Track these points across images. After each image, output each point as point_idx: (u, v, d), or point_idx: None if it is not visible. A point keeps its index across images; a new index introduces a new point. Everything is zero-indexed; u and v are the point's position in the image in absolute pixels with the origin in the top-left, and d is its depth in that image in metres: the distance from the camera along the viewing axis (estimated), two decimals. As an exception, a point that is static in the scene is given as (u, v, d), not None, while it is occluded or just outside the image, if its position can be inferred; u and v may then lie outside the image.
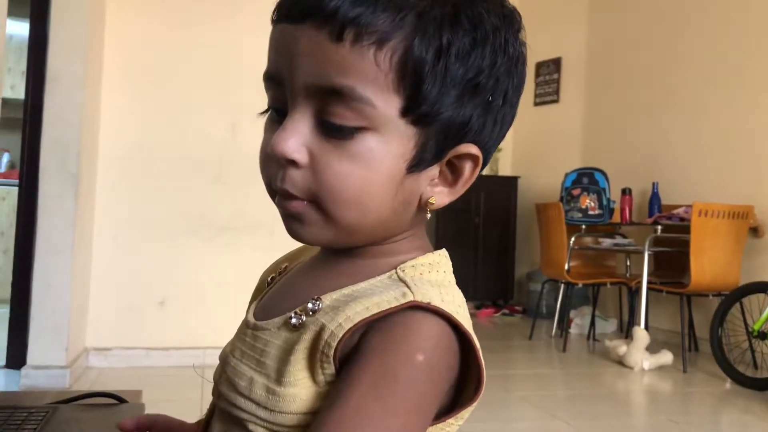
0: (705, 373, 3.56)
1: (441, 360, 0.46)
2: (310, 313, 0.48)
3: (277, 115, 0.50)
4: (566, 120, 5.57)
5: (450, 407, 0.49)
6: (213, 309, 3.09)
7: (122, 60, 3.14)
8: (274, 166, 0.48)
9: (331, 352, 0.45)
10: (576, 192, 4.24)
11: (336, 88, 0.45)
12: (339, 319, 0.46)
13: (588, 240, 4.39)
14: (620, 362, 3.64)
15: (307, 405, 0.46)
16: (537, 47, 6.03)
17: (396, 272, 0.50)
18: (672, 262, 4.06)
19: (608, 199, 4.19)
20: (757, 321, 3.31)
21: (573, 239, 4.14)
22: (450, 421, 0.49)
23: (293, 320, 0.49)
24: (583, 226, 4.24)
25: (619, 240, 4.33)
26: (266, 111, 0.52)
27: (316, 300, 0.49)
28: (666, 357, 3.61)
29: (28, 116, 2.83)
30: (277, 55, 0.48)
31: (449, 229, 5.60)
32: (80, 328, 2.98)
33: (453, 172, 0.51)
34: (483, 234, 5.68)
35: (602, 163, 4.59)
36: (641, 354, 3.57)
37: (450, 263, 0.54)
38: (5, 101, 2.17)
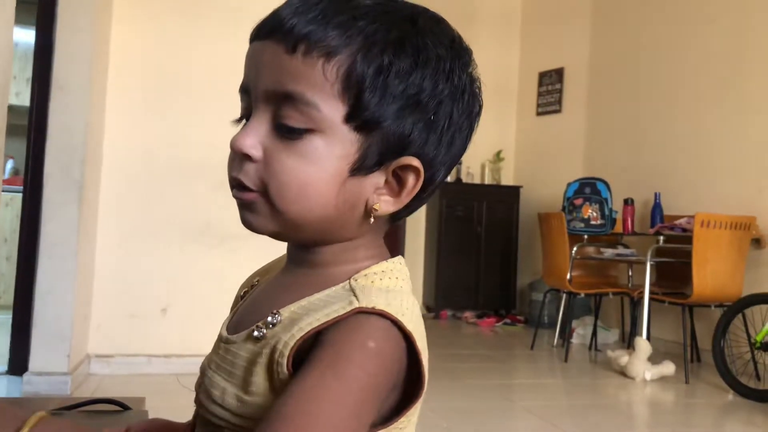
0: (707, 384, 3.55)
1: (390, 350, 0.49)
2: (270, 326, 0.53)
3: (248, 122, 0.56)
4: (569, 130, 5.58)
5: (400, 408, 0.52)
6: (216, 317, 3.07)
7: (127, 67, 3.16)
8: (236, 161, 0.54)
9: (284, 361, 0.50)
10: (578, 202, 4.24)
11: (288, 93, 0.51)
12: (292, 331, 0.50)
13: (590, 250, 4.38)
14: (622, 373, 3.64)
15: None
16: (540, 57, 6.05)
17: (349, 282, 0.54)
18: (674, 272, 4.06)
19: (610, 209, 4.19)
20: (759, 332, 3.30)
21: (575, 249, 4.14)
22: (402, 420, 0.52)
23: (255, 333, 0.53)
24: (585, 236, 4.24)
25: (621, 250, 4.33)
26: (240, 119, 0.57)
27: (276, 313, 0.53)
28: (668, 368, 3.60)
29: (33, 123, 2.84)
30: (247, 69, 0.55)
31: (451, 239, 5.60)
32: (82, 334, 2.98)
33: (398, 182, 0.55)
34: (485, 243, 5.68)
35: (604, 173, 4.59)
36: (643, 364, 3.56)
37: (405, 269, 0.57)
38: (10, 108, 2.19)
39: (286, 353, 0.49)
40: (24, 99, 3.96)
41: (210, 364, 0.58)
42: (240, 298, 0.65)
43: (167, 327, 3.13)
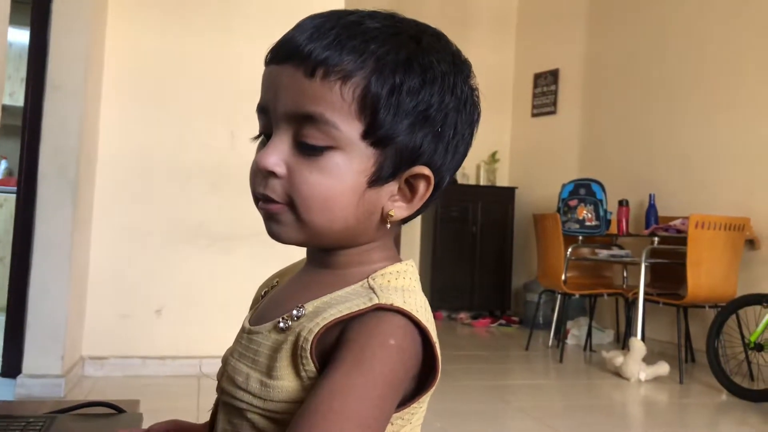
0: (701, 385, 3.56)
1: (408, 346, 0.54)
2: (295, 318, 0.57)
3: (267, 139, 0.60)
4: (564, 131, 5.59)
5: (413, 394, 0.57)
6: (210, 318, 3.08)
7: (122, 68, 3.15)
8: (259, 177, 0.58)
9: (308, 347, 0.54)
10: (573, 203, 4.25)
11: (309, 114, 0.56)
12: (316, 320, 0.55)
13: (585, 251, 4.39)
14: (617, 373, 3.64)
15: (294, 395, 0.55)
16: (535, 59, 6.05)
17: (368, 281, 0.58)
18: (669, 273, 4.07)
19: (605, 211, 4.20)
20: (753, 333, 3.31)
21: (570, 250, 4.15)
22: (414, 405, 0.57)
23: (281, 324, 0.58)
24: (580, 237, 4.25)
25: (615, 251, 4.34)
26: (258, 136, 0.62)
27: (300, 307, 0.58)
28: (663, 368, 3.61)
29: (28, 123, 2.83)
30: (266, 90, 0.59)
31: (447, 239, 5.60)
32: (76, 336, 2.97)
33: (410, 189, 0.60)
34: (480, 244, 5.68)
35: (599, 174, 4.60)
36: (638, 365, 3.57)
37: (416, 271, 0.62)
38: (4, 108, 2.17)
39: (310, 339, 0.54)
40: (18, 99, 3.95)
41: (233, 354, 0.62)
42: (261, 297, 0.70)
43: (161, 328, 3.12)
